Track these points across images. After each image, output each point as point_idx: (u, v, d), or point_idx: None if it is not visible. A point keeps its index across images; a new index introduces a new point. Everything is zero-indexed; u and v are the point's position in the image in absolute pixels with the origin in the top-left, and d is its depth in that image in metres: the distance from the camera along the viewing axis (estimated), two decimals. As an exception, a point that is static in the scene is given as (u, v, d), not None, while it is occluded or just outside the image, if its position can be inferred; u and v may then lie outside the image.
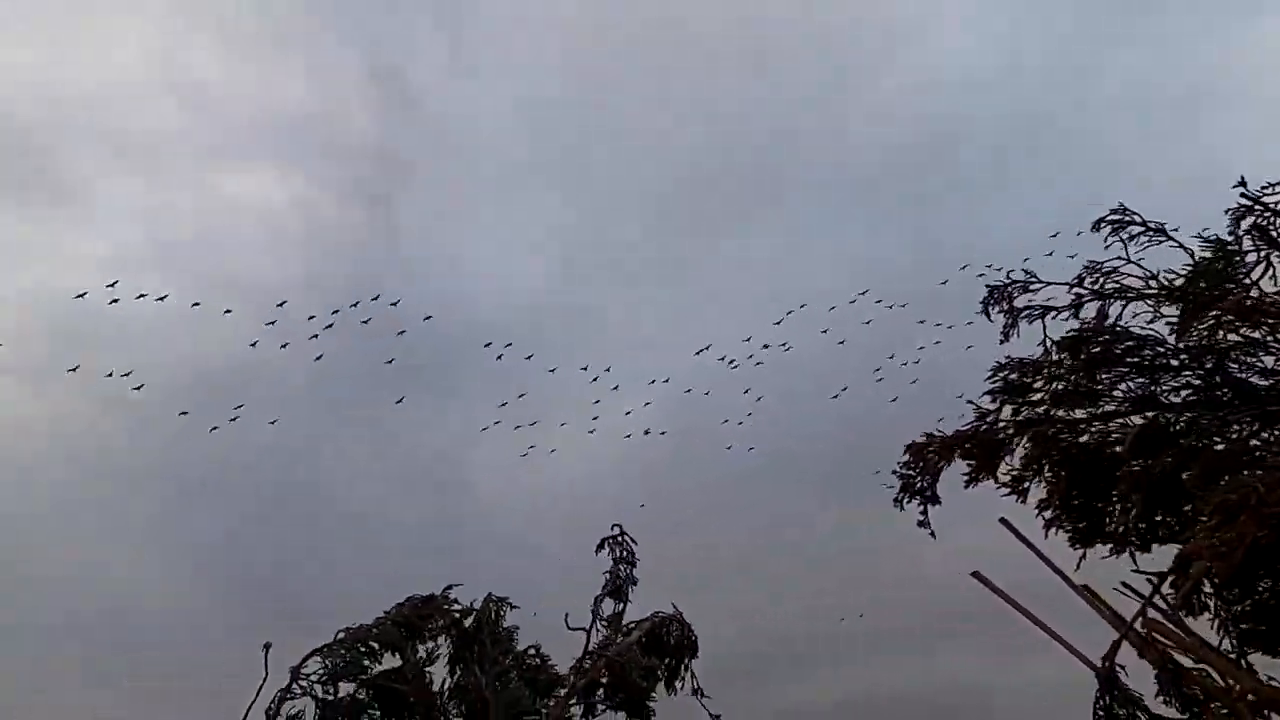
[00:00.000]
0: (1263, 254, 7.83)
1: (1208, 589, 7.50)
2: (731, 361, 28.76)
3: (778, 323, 29.11)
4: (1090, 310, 9.54)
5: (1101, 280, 9.38)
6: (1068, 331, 9.03)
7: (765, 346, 28.26)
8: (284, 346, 26.10)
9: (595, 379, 28.43)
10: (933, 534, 10.02)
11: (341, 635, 9.09)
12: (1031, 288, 10.08)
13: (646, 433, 29.10)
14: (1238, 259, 7.90)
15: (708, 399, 29.83)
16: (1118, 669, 7.23)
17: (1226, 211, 8.02)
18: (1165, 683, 6.84)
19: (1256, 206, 7.62)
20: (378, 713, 8.90)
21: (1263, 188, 7.69)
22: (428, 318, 29.22)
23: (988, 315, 10.15)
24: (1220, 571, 5.55)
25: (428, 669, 9.28)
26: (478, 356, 29.82)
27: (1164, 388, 8.61)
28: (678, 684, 9.37)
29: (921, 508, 9.94)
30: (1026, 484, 9.11)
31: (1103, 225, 9.05)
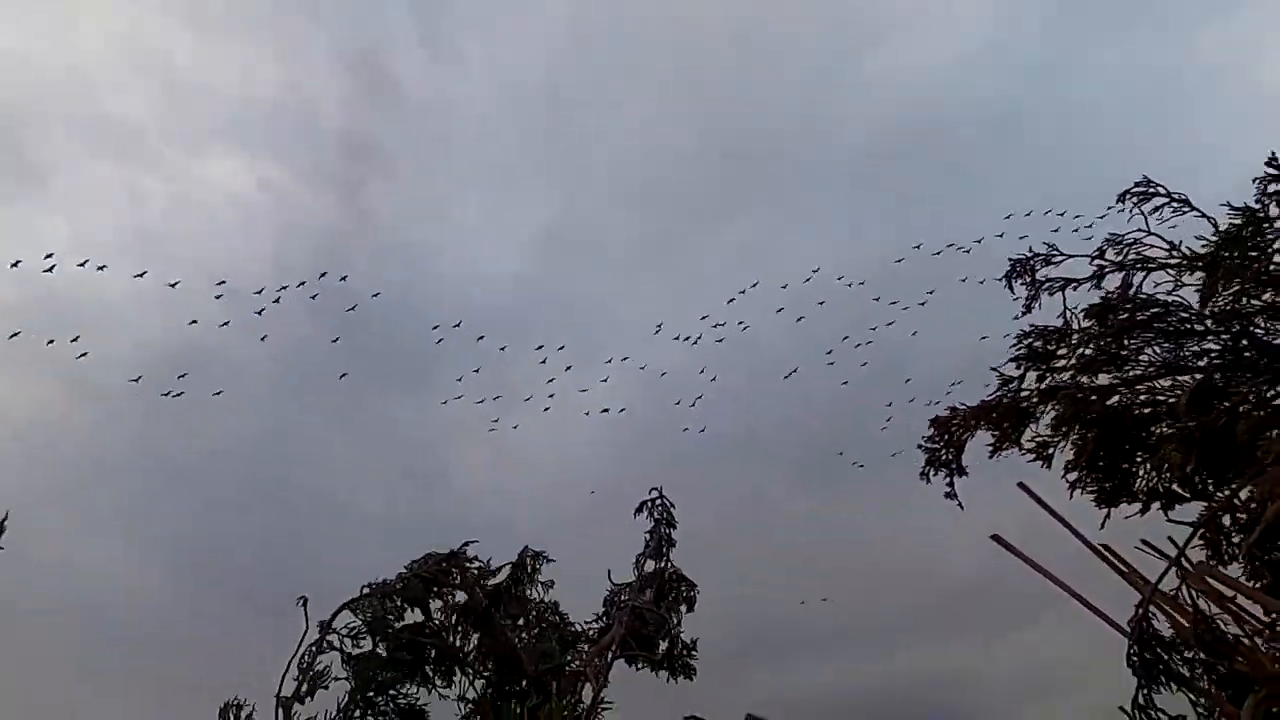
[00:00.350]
0: (1289, 222, 8.11)
1: (1236, 540, 7.77)
2: (689, 339, 28.93)
3: (730, 301, 29.34)
4: (1111, 282, 9.86)
5: (1125, 251, 9.65)
6: (1095, 301, 9.29)
7: (718, 325, 28.32)
8: (224, 325, 25.65)
9: (544, 361, 28.46)
10: (960, 505, 10.20)
11: (367, 590, 8.94)
12: (1053, 260, 10.38)
13: (605, 410, 29.24)
14: (1266, 226, 8.17)
15: (667, 378, 30.08)
16: (1151, 616, 7.44)
17: (1254, 181, 8.30)
18: (1199, 633, 7.06)
19: (1285, 175, 7.89)
20: (404, 668, 8.75)
21: None
22: (376, 294, 29.13)
23: (1010, 288, 10.38)
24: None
25: (455, 624, 9.15)
26: (446, 339, 29.65)
27: (1188, 352, 8.89)
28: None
29: (948, 480, 10.15)
30: (1052, 449, 9.34)
31: (1128, 197, 9.31)
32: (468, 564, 9.53)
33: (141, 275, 28.62)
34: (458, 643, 9.09)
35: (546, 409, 29.18)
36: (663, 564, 8.98)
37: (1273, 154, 7.90)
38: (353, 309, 27.90)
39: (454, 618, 9.20)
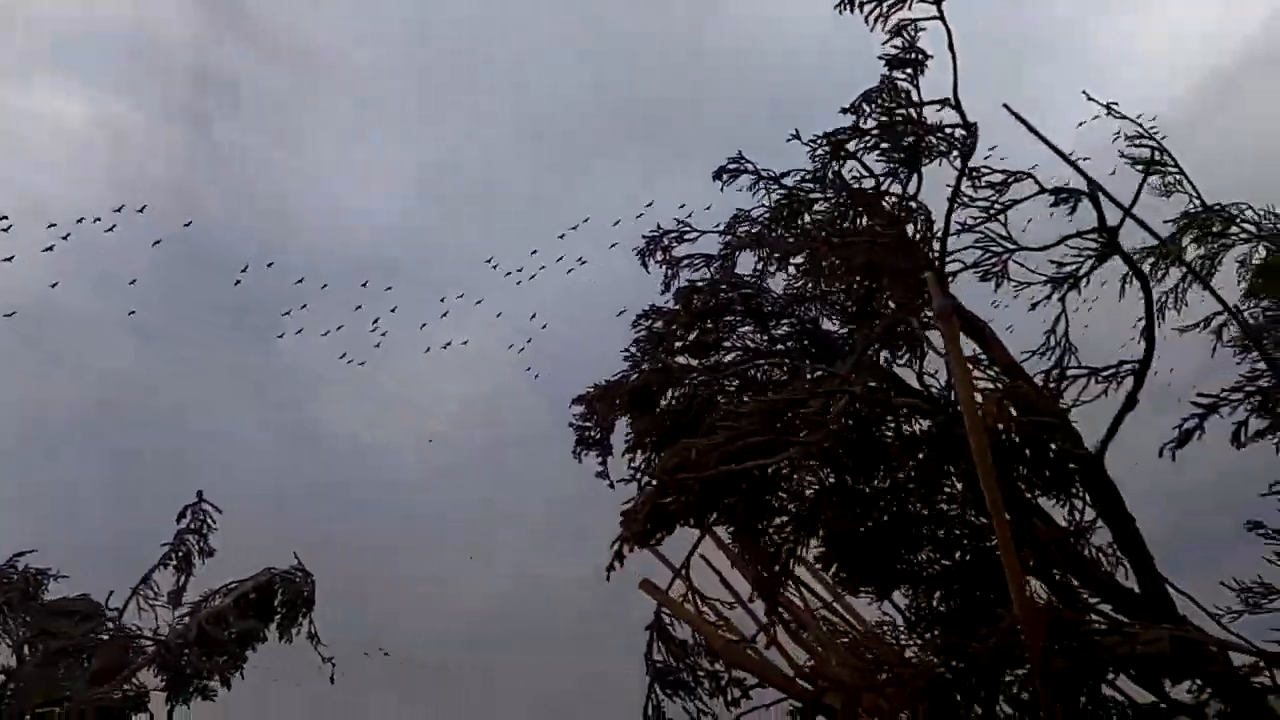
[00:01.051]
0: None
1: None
2: (518, 271, 28.02)
3: (561, 237, 28.41)
4: (744, 260, 9.53)
5: (749, 229, 9.26)
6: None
7: (548, 265, 27.36)
8: (9, 259, 23.63)
9: (359, 307, 27.35)
10: (611, 485, 9.78)
11: None
12: (688, 237, 9.92)
13: (446, 345, 28.28)
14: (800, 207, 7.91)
15: (503, 318, 29.22)
16: (664, 617, 7.15)
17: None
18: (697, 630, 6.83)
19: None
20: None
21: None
22: (188, 224, 27.45)
23: (645, 267, 9.91)
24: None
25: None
26: (287, 281, 27.97)
27: (775, 336, 8.61)
28: (294, 631, 8.92)
29: (600, 459, 9.71)
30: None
31: (723, 175, 8.85)
32: (8, 581, 8.46)
33: None
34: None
35: (378, 345, 28.09)
36: (183, 581, 8.13)
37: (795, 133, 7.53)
38: (158, 243, 26.20)
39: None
